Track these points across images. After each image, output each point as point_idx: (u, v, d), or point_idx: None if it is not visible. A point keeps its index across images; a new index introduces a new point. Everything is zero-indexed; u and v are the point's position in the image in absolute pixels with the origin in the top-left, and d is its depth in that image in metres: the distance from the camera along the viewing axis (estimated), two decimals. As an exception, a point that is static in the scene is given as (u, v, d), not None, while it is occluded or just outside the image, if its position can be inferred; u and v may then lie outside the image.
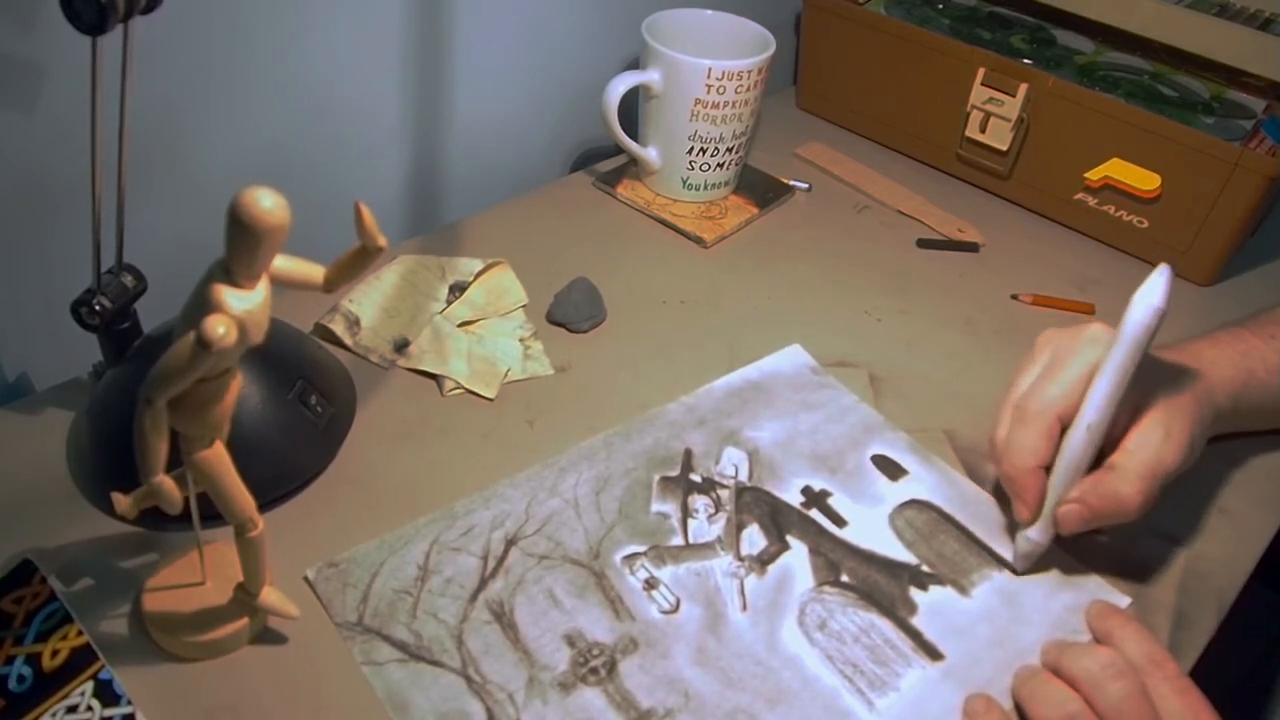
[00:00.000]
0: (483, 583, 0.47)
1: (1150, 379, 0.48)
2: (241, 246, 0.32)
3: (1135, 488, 0.46)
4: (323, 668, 0.43)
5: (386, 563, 0.47)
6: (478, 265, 0.66)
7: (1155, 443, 0.47)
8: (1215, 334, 0.55)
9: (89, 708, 0.40)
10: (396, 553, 0.48)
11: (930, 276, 0.72)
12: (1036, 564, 0.50)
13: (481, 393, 0.57)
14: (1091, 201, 0.76)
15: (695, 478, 0.53)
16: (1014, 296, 0.70)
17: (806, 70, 0.90)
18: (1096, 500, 0.46)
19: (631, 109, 0.74)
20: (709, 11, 0.76)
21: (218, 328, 0.31)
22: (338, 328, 0.59)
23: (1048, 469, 0.48)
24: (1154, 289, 0.43)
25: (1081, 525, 0.47)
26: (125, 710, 0.40)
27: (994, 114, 0.77)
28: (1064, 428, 0.48)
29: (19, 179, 0.52)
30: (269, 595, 0.42)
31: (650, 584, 0.48)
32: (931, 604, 0.48)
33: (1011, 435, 0.48)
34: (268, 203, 0.31)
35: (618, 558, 0.49)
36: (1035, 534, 0.49)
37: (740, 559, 0.49)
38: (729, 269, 0.70)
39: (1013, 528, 0.51)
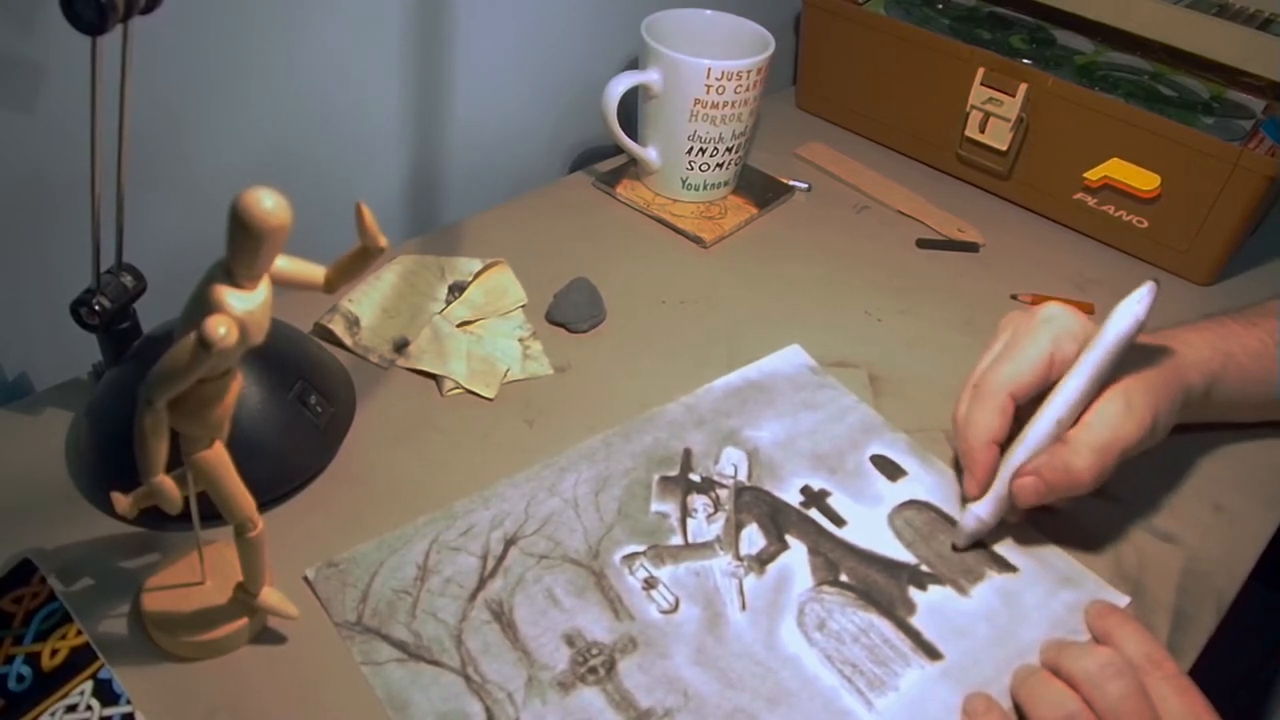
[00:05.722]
0: (482, 582, 0.47)
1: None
2: (243, 247, 0.32)
3: (1087, 461, 0.47)
4: (322, 668, 0.43)
5: (386, 562, 0.47)
6: (477, 265, 0.66)
7: (1113, 416, 0.47)
8: (1196, 322, 0.56)
9: (88, 707, 0.40)
10: (396, 552, 0.48)
11: (930, 276, 0.72)
12: (981, 540, 0.51)
13: (481, 393, 0.57)
14: (1091, 201, 0.76)
15: (694, 477, 0.54)
16: (1014, 296, 0.70)
17: (806, 70, 0.90)
18: (1050, 473, 0.47)
19: (631, 109, 0.74)
20: (709, 11, 0.76)
21: (219, 328, 0.31)
22: (337, 328, 0.59)
23: (1003, 446, 0.49)
24: (1138, 301, 0.46)
25: (1037, 498, 0.48)
26: (125, 710, 0.40)
27: (994, 114, 0.77)
28: (1018, 405, 0.49)
29: (19, 179, 0.52)
30: (268, 595, 0.42)
31: (649, 584, 0.48)
32: (930, 604, 0.48)
33: (968, 412, 0.50)
34: (269, 203, 0.31)
35: (617, 557, 0.49)
36: (982, 510, 0.50)
37: (739, 559, 0.49)
38: (729, 269, 0.70)
39: (963, 503, 0.52)
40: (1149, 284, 0.46)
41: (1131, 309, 0.46)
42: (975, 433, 0.49)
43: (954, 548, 0.51)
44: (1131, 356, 0.48)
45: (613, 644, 0.45)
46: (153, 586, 0.44)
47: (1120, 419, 0.47)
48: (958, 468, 0.55)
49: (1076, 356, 0.48)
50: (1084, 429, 0.47)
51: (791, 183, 0.80)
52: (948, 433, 0.58)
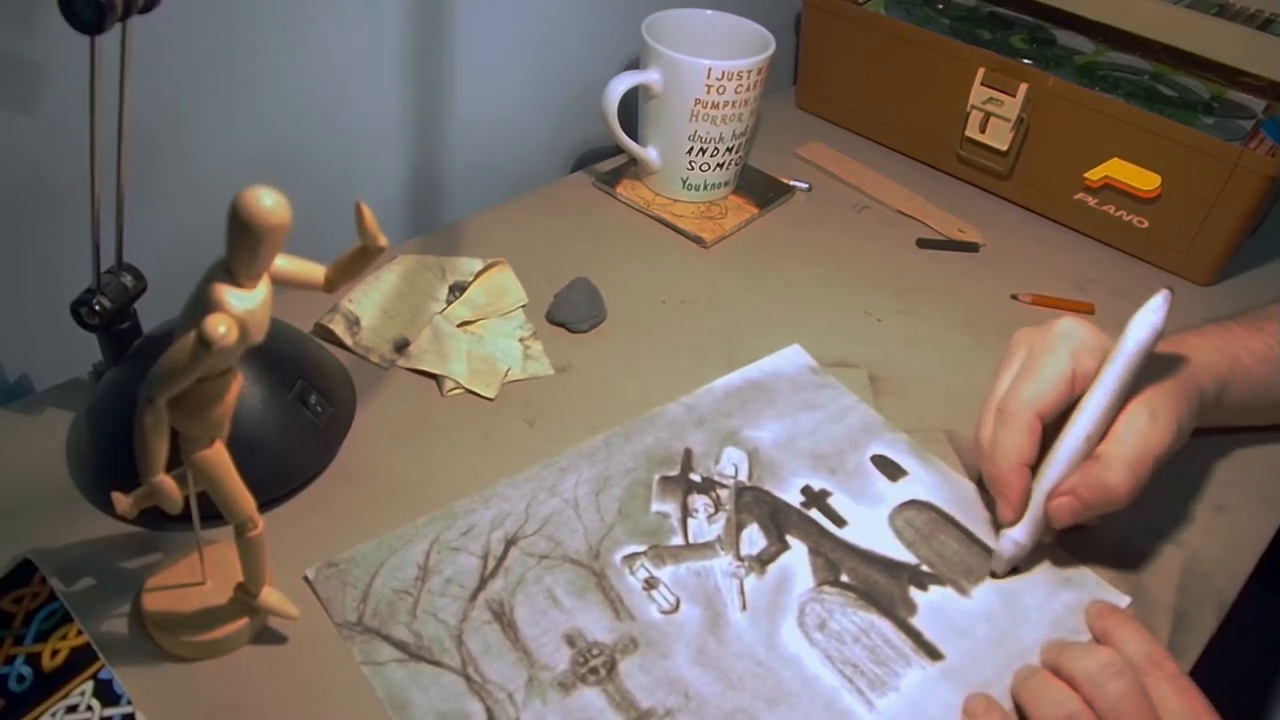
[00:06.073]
0: (483, 582, 0.47)
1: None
2: (242, 246, 0.32)
3: (1122, 476, 0.46)
4: (323, 668, 0.43)
5: (386, 562, 0.47)
6: (478, 265, 0.66)
7: (1141, 427, 0.47)
8: (1202, 327, 0.55)
9: (89, 707, 0.40)
10: (396, 552, 0.48)
11: (930, 276, 0.72)
12: (1018, 566, 0.50)
13: (481, 393, 0.57)
14: (1091, 201, 0.76)
15: (695, 477, 0.53)
16: (1014, 296, 0.70)
17: (806, 70, 0.90)
18: (1086, 491, 0.47)
19: (631, 109, 0.74)
20: (709, 11, 0.76)
21: (219, 327, 0.31)
22: (338, 328, 0.59)
23: (1033, 468, 0.49)
24: (1155, 310, 0.46)
25: (1073, 518, 0.47)
26: (125, 710, 0.40)
27: (994, 114, 0.77)
28: (1044, 424, 0.48)
29: (19, 179, 0.52)
30: (269, 595, 0.42)
31: (650, 584, 0.48)
32: (931, 604, 0.48)
33: (995, 436, 0.49)
34: (269, 202, 0.31)
35: (617, 557, 0.49)
36: (1019, 535, 0.49)
37: (740, 559, 0.49)
38: (729, 269, 0.70)
39: (998, 529, 0.51)
40: (1164, 291, 0.46)
41: (1149, 318, 0.45)
42: (1005, 457, 0.48)
43: (992, 574, 0.50)
44: (1148, 368, 0.48)
45: (613, 644, 0.45)
46: (153, 586, 0.44)
47: (1148, 429, 0.47)
48: (974, 477, 0.55)
49: (1096, 370, 0.48)
50: (1114, 443, 0.47)
51: (792, 183, 0.80)
52: (949, 433, 0.58)
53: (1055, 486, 0.47)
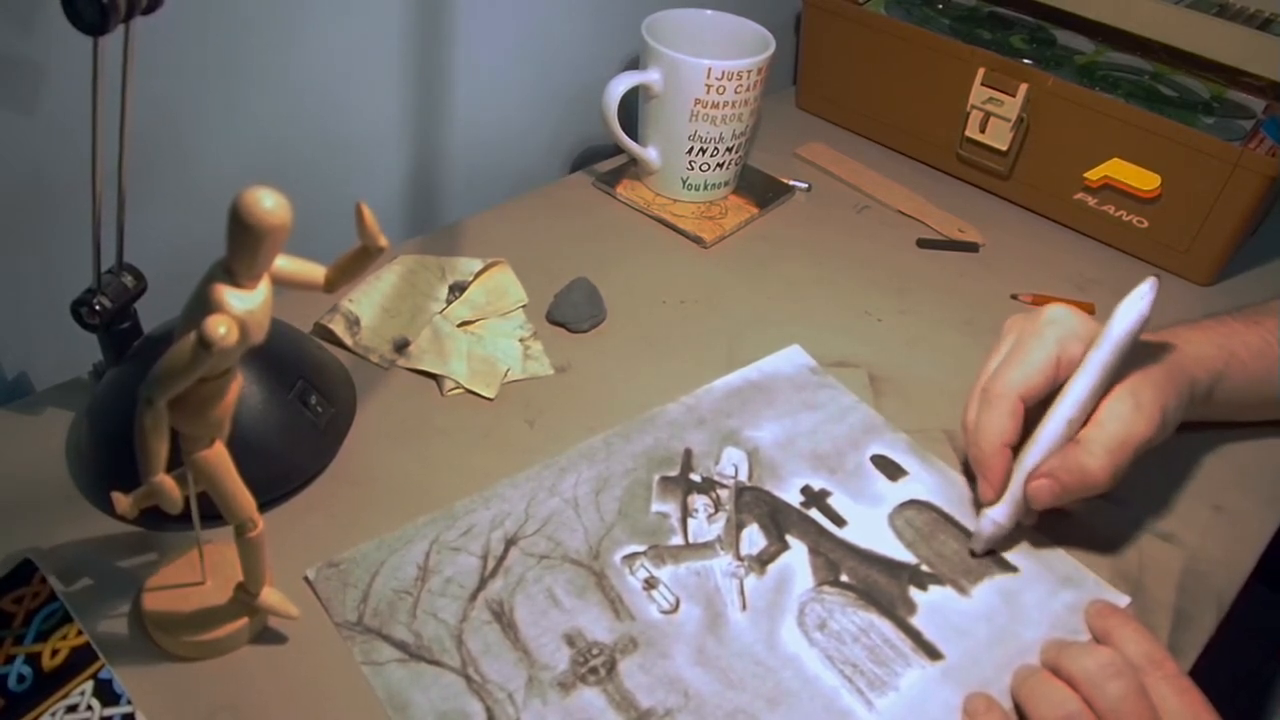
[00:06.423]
0: (482, 582, 0.47)
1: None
2: (243, 246, 0.32)
3: (1101, 461, 0.47)
4: (323, 668, 0.43)
5: (386, 562, 0.47)
6: (477, 265, 0.66)
7: (1124, 414, 0.47)
8: (1199, 321, 0.56)
9: (89, 707, 0.40)
10: (396, 552, 0.48)
11: (930, 276, 0.72)
12: (996, 546, 0.51)
13: (481, 393, 0.57)
14: (1091, 201, 0.76)
15: (695, 477, 0.54)
16: (1014, 296, 0.70)
17: (806, 70, 0.90)
18: (1065, 474, 0.47)
19: (631, 109, 0.74)
20: (709, 11, 0.76)
21: (219, 327, 0.31)
22: (338, 328, 0.59)
23: (1015, 449, 0.49)
24: (1141, 297, 0.46)
25: (1052, 500, 0.48)
26: (125, 710, 0.40)
27: (994, 114, 0.77)
28: (1028, 407, 0.49)
29: (19, 179, 0.52)
30: (269, 595, 0.42)
31: (650, 584, 0.48)
32: (931, 604, 0.48)
33: (979, 417, 0.50)
34: (269, 203, 0.31)
35: (617, 557, 0.49)
36: (998, 515, 0.49)
37: (740, 559, 0.49)
38: (729, 269, 0.70)
39: (978, 509, 0.51)
40: (1150, 280, 0.46)
41: (1135, 305, 0.46)
42: (987, 437, 0.49)
43: (971, 553, 0.50)
44: (1136, 354, 0.48)
45: (613, 644, 0.45)
46: (153, 586, 0.44)
47: (1131, 416, 0.47)
48: (968, 473, 0.55)
49: (1083, 357, 0.48)
50: (1096, 428, 0.47)
51: (791, 183, 0.80)
52: (949, 432, 0.58)
53: (1035, 468, 0.48)
